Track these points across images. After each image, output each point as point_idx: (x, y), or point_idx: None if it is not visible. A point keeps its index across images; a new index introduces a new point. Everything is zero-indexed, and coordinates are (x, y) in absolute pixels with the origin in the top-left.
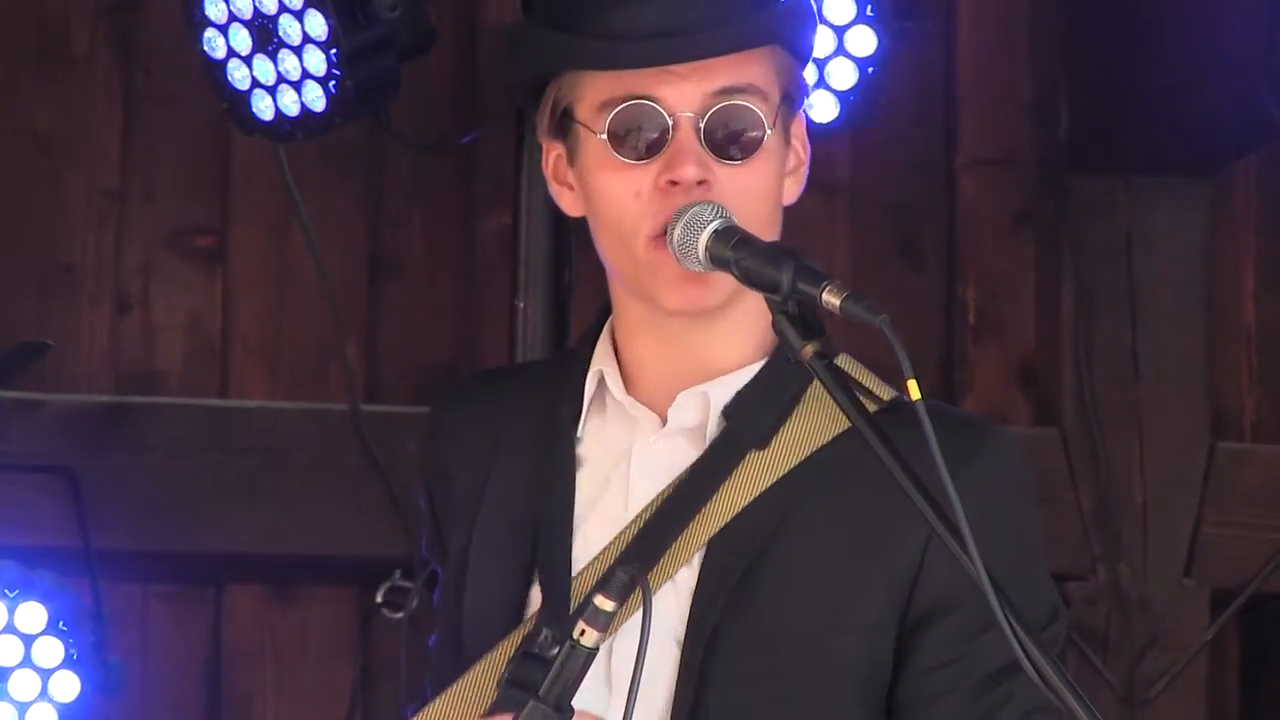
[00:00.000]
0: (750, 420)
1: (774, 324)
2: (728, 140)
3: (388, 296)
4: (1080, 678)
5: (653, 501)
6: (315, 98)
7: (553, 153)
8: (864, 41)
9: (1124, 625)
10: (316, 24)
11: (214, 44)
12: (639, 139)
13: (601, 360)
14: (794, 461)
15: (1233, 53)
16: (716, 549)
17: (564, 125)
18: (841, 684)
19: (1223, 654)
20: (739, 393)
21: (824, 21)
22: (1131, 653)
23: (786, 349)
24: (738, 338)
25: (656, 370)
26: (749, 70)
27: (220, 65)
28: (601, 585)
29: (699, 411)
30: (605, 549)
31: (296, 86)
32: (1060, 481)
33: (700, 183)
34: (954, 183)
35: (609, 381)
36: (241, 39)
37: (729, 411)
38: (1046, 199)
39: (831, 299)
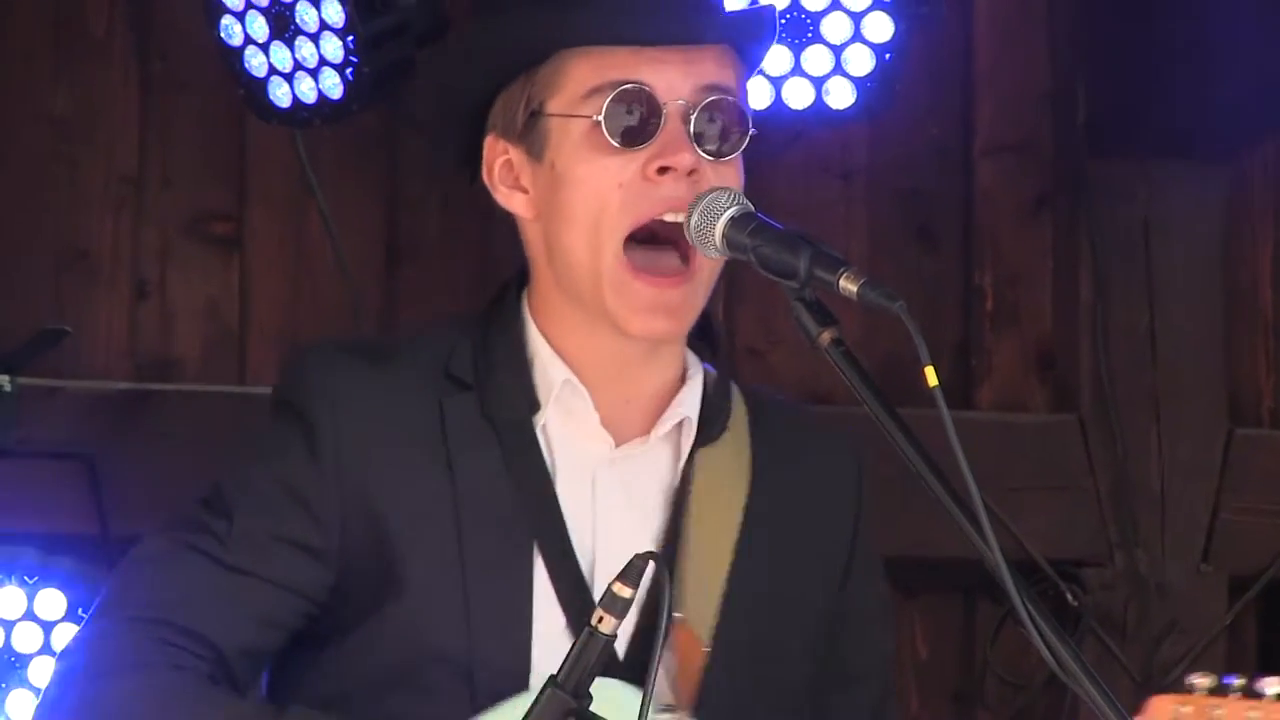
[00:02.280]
0: (713, 433)
1: (791, 310)
2: (716, 134)
3: (405, 282)
4: (1098, 663)
5: (667, 521)
6: (332, 84)
7: (502, 156)
8: (881, 27)
9: (1142, 611)
10: (333, 11)
11: (231, 31)
12: (631, 123)
13: (550, 360)
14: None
15: (1251, 36)
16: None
17: (531, 123)
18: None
19: (1240, 639)
20: (702, 410)
21: (841, 8)
22: (1149, 638)
23: (804, 335)
24: (676, 353)
25: (603, 385)
26: (726, 71)
27: (237, 52)
28: (621, 573)
29: (671, 432)
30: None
31: (313, 73)
32: (1078, 468)
33: (691, 172)
34: (971, 168)
35: (574, 397)
36: (258, 26)
37: (704, 426)
38: (1064, 185)
39: (848, 285)
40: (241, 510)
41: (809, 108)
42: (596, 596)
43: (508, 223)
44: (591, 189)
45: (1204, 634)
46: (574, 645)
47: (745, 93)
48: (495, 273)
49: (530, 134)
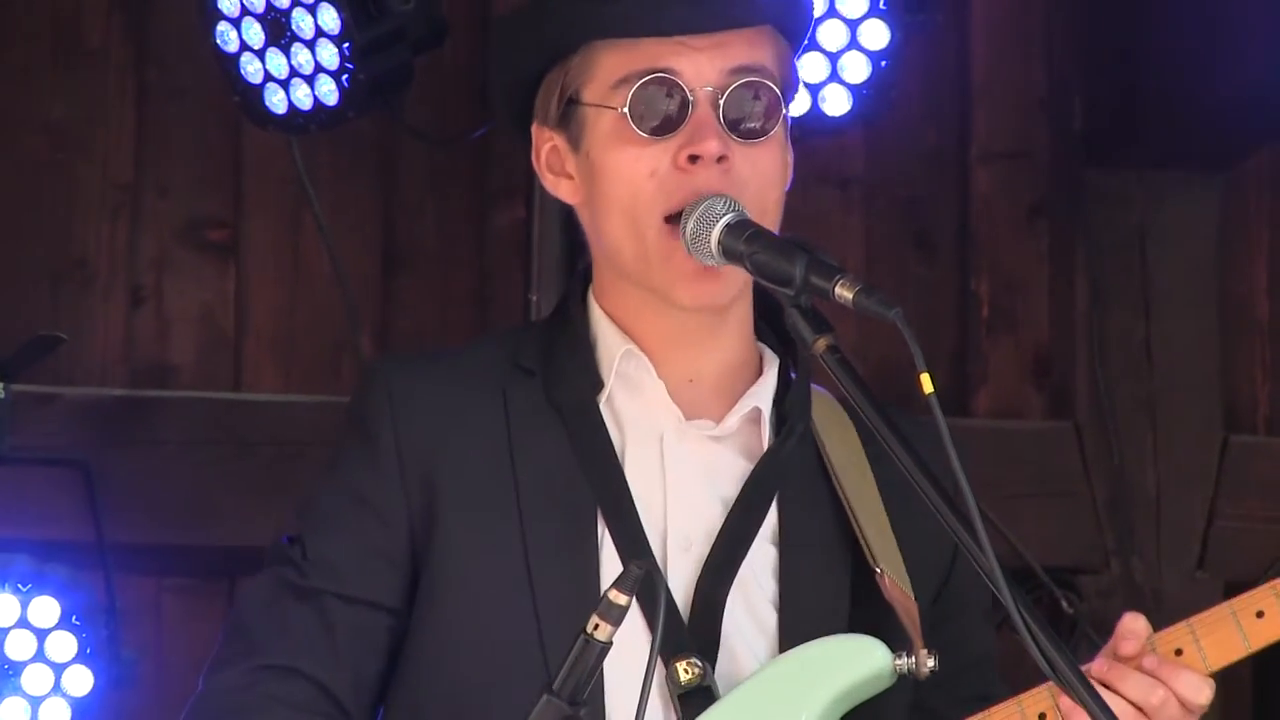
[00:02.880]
0: (796, 427)
1: (786, 318)
2: (747, 117)
3: (401, 290)
4: None
5: (736, 502)
6: (328, 91)
7: (548, 143)
8: (877, 35)
9: None
10: (329, 17)
11: (226, 37)
12: (658, 113)
13: (616, 338)
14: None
15: (1246, 45)
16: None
17: (569, 112)
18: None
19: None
20: (780, 403)
21: (837, 15)
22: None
23: (798, 342)
24: (735, 335)
25: (664, 357)
26: (760, 51)
27: (233, 59)
28: (616, 581)
29: (750, 419)
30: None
31: (309, 80)
32: (1074, 475)
33: (720, 159)
34: (967, 176)
35: (637, 365)
36: (254, 32)
37: (779, 422)
38: (1060, 192)
39: (844, 293)
40: (315, 531)
41: (805, 115)
42: (667, 570)
43: (503, 231)
44: (624, 179)
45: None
46: (570, 652)
47: (793, 67)
48: (489, 280)
49: (568, 123)
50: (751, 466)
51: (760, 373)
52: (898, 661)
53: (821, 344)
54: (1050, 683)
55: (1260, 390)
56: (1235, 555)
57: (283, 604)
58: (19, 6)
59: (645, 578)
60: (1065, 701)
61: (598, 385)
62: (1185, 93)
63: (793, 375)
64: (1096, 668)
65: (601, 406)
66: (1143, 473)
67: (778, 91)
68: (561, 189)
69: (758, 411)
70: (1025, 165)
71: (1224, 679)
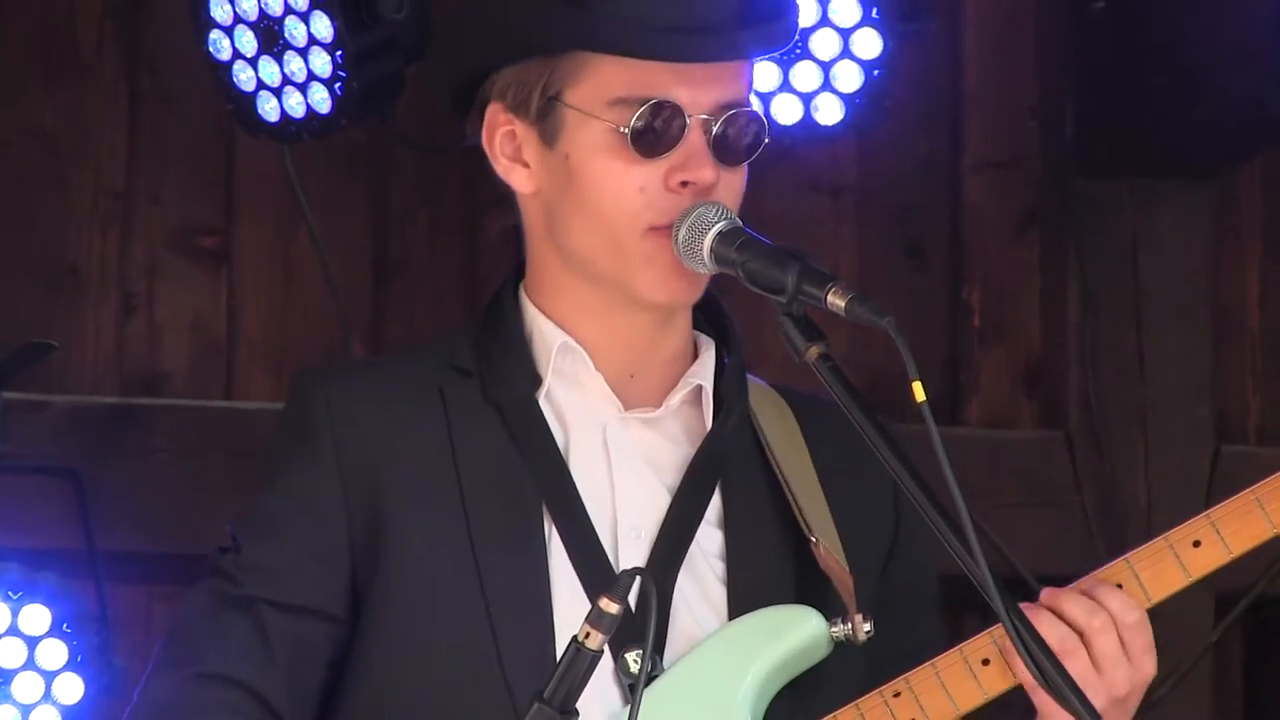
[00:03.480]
0: (733, 412)
1: (779, 325)
2: (736, 145)
3: (393, 297)
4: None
5: (680, 487)
6: (320, 99)
7: (505, 126)
8: (869, 44)
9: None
10: (322, 26)
11: (219, 45)
12: (656, 136)
13: (551, 331)
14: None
15: (1238, 55)
16: (740, 518)
17: (547, 108)
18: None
19: (1227, 656)
20: (717, 383)
21: (829, 24)
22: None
23: (790, 350)
24: (684, 328)
25: (605, 352)
26: (745, 79)
27: (225, 67)
28: (606, 588)
29: (690, 400)
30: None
31: (302, 88)
32: (1065, 484)
33: (710, 185)
34: (959, 185)
35: (573, 360)
36: (247, 40)
37: (720, 400)
38: (1052, 202)
39: (836, 301)
40: (249, 539)
41: (797, 124)
42: (617, 561)
43: (494, 239)
44: (612, 190)
45: (1191, 651)
46: (561, 660)
47: (752, 79)
48: (481, 288)
49: (545, 119)
50: (693, 452)
51: (697, 358)
52: (834, 629)
53: (814, 352)
54: (991, 630)
55: (1251, 400)
56: (1226, 565)
57: (218, 613)
58: (10, 13)
59: (629, 586)
60: (1007, 644)
61: (535, 381)
62: (1177, 102)
63: (726, 361)
64: (1043, 595)
65: (541, 402)
66: (1134, 482)
67: (764, 121)
68: (515, 176)
69: (698, 391)
70: (1017, 174)
71: (1216, 694)
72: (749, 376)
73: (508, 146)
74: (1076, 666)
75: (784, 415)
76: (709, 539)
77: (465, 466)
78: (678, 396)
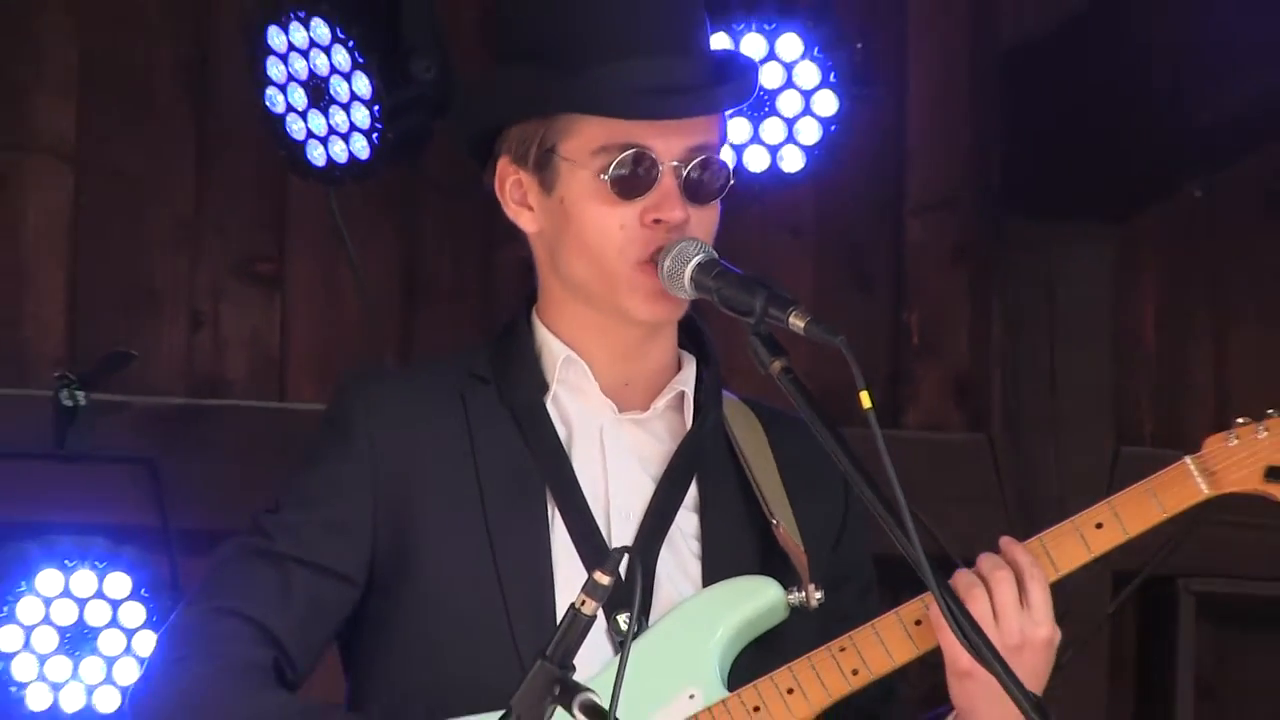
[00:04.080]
0: (710, 415)
1: (748, 343)
2: (703, 187)
3: (419, 316)
4: None
5: (663, 477)
6: (360, 147)
7: (513, 177)
8: (827, 104)
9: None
10: (362, 84)
11: (274, 100)
12: (631, 180)
13: (556, 346)
14: (734, 440)
15: (1137, 120)
16: (714, 504)
17: (544, 159)
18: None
19: (1122, 627)
20: (697, 391)
21: (793, 86)
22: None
23: (758, 364)
24: (664, 343)
25: (602, 364)
26: (714, 131)
27: (279, 119)
28: (600, 563)
29: (673, 405)
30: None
31: (344, 137)
32: (988, 480)
33: (681, 223)
34: (901, 225)
35: (576, 371)
36: (298, 96)
37: (698, 406)
38: (981, 239)
39: (797, 322)
40: (286, 506)
41: (765, 171)
42: (609, 538)
43: (505, 268)
44: (597, 229)
45: (1091, 622)
46: (560, 623)
47: (725, 135)
48: (494, 309)
49: (542, 168)
50: (675, 448)
51: (680, 370)
52: (790, 596)
53: (777, 366)
54: (923, 597)
55: (1146, 410)
56: (1122, 549)
57: (250, 561)
58: (96, 69)
59: (619, 560)
60: (934, 610)
61: (543, 388)
62: (1087, 157)
63: (704, 373)
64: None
65: (548, 405)
66: (1047, 478)
67: (729, 167)
68: (522, 218)
69: (681, 396)
70: (950, 216)
71: (1112, 658)
72: (725, 392)
73: (515, 193)
74: (977, 609)
75: (752, 422)
76: (687, 521)
77: (482, 459)
78: (663, 401)
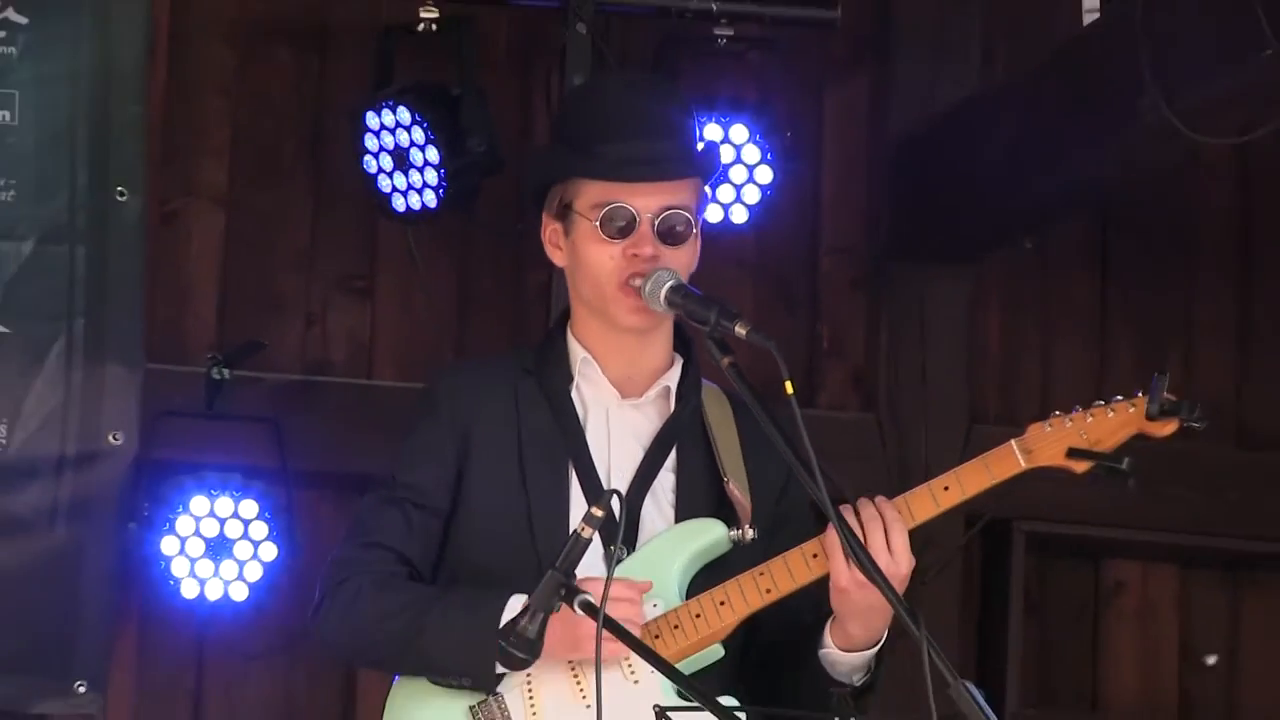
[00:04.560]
0: (689, 402)
1: (704, 344)
2: (672, 234)
3: (470, 322)
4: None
5: (650, 447)
6: (430, 199)
7: (550, 226)
8: (764, 174)
9: (912, 536)
10: (432, 154)
11: (369, 164)
12: (617, 228)
13: (578, 350)
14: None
15: (988, 191)
16: (687, 467)
17: (563, 212)
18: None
19: (970, 556)
20: (677, 387)
21: (740, 161)
22: (915, 551)
23: (713, 360)
24: (655, 351)
25: (610, 362)
26: (683, 193)
27: (373, 177)
28: (595, 500)
29: (661, 395)
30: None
31: (419, 192)
32: (875, 448)
33: (652, 256)
34: (817, 262)
35: (590, 368)
36: (386, 161)
37: (679, 397)
38: (873, 274)
39: (740, 330)
40: (400, 471)
41: (719, 222)
42: (608, 489)
43: (532, 289)
44: (595, 261)
45: (948, 552)
46: (566, 544)
47: (704, 194)
48: (524, 320)
49: (564, 219)
50: (660, 426)
51: (671, 367)
52: (731, 533)
53: (726, 361)
54: (820, 537)
55: (991, 400)
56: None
57: (382, 508)
58: (238, 143)
59: (617, 499)
60: (825, 544)
61: (569, 379)
62: (949, 218)
63: (687, 371)
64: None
65: (572, 393)
66: (918, 448)
67: (690, 219)
68: (556, 256)
69: (667, 389)
70: (852, 257)
71: (963, 579)
72: (708, 383)
73: (552, 237)
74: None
75: (725, 407)
76: (665, 480)
77: (524, 429)
78: (653, 391)
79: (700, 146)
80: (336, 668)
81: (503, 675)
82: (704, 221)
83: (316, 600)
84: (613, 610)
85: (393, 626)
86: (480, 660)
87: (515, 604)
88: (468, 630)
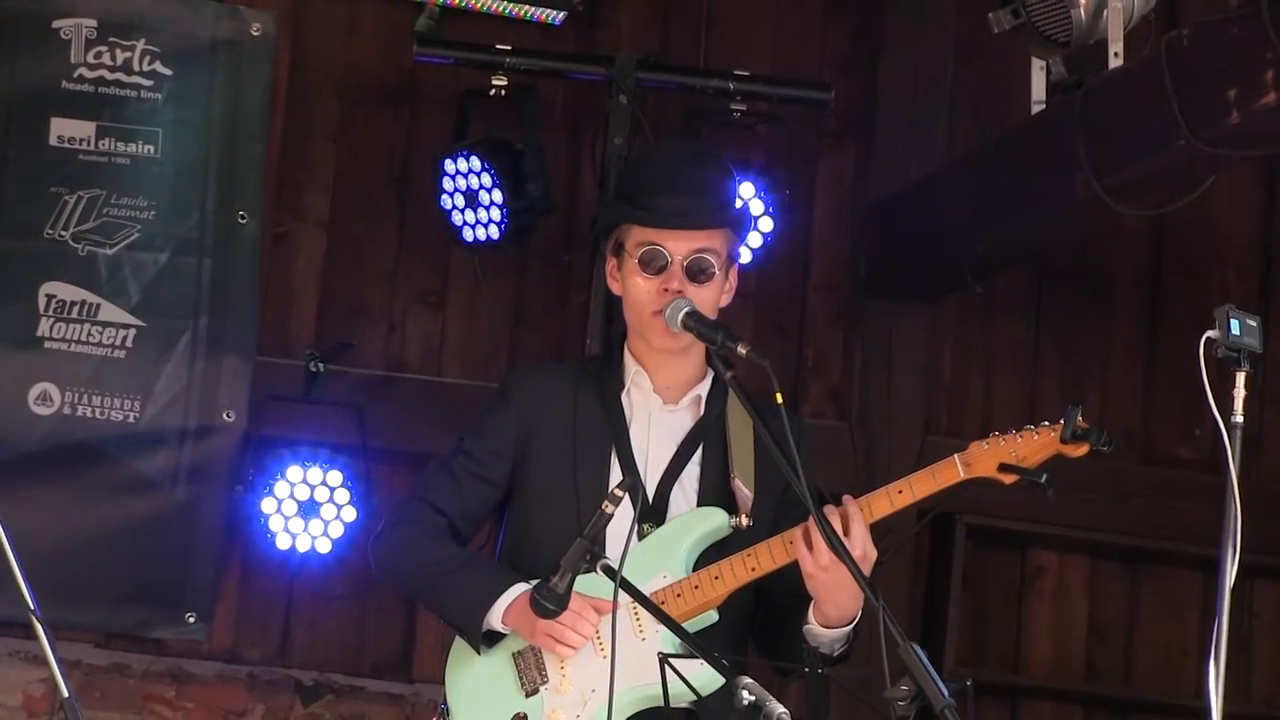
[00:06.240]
0: (716, 408)
1: (710, 360)
2: (698, 274)
3: (522, 335)
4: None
5: (680, 444)
6: (494, 232)
7: (610, 262)
8: (766, 223)
9: (873, 528)
10: (498, 196)
11: (446, 202)
12: (654, 266)
13: (632, 364)
14: (728, 427)
15: (946, 243)
16: (709, 462)
17: (618, 250)
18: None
19: (920, 543)
20: (707, 396)
21: (747, 212)
22: (875, 539)
23: (717, 372)
24: (690, 366)
25: (655, 374)
26: (714, 240)
27: (447, 213)
28: (618, 484)
29: (693, 402)
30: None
31: (485, 226)
32: (847, 452)
33: (678, 291)
34: (806, 297)
35: (641, 378)
36: (459, 200)
37: (708, 404)
38: (851, 308)
39: (741, 349)
40: (468, 437)
41: None
42: (645, 478)
43: (575, 309)
44: (635, 292)
45: (902, 539)
46: (594, 518)
47: (737, 242)
48: (568, 336)
49: (618, 256)
50: (691, 428)
51: (704, 379)
52: (731, 521)
53: (729, 375)
54: (798, 526)
55: (942, 416)
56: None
57: (441, 471)
58: (338, 187)
59: (634, 484)
60: (797, 534)
61: (621, 386)
62: (914, 265)
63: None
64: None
65: (623, 399)
66: (882, 454)
67: (714, 263)
68: (614, 286)
69: (699, 397)
70: (834, 294)
71: (915, 560)
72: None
73: (612, 271)
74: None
75: (745, 418)
76: (691, 472)
77: (579, 425)
78: (686, 399)
79: (738, 204)
80: (399, 604)
81: (500, 635)
82: (739, 265)
83: (379, 529)
84: (575, 626)
85: (424, 571)
86: (469, 622)
87: (514, 592)
88: (469, 598)
